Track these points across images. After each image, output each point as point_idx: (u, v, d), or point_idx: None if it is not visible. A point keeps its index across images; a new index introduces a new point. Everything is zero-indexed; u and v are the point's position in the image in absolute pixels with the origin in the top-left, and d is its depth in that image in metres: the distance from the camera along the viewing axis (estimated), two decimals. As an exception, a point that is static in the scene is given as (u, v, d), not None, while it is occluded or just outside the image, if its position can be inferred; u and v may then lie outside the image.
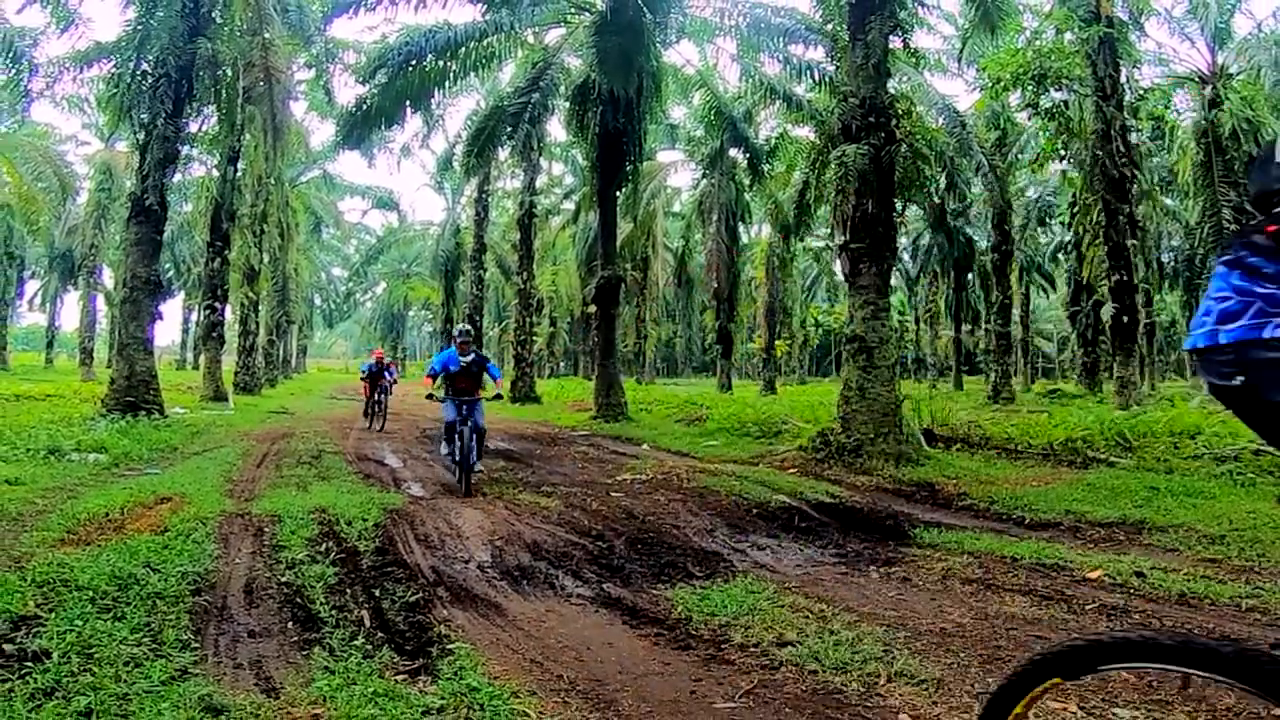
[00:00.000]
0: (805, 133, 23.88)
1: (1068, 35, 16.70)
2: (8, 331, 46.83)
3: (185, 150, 19.03)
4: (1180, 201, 28.21)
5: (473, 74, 19.92)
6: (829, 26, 16.13)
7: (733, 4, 18.53)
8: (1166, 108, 22.52)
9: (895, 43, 12.62)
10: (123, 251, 19.73)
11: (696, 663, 4.18)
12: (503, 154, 25.29)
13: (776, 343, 37.74)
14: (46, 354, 51.47)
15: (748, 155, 23.92)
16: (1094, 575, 5.62)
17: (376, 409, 17.45)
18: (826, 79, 18.54)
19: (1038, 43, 16.65)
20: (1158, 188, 26.41)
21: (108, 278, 40.47)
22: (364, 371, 19.11)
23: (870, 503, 8.43)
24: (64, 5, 17.13)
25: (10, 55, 18.57)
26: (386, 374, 18.15)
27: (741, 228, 33.26)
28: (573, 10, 18.93)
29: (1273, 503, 7.62)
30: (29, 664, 3.72)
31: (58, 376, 34.87)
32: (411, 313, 67.90)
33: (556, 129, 27.21)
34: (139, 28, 15.90)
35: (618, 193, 20.34)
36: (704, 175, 30.51)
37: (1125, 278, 17.39)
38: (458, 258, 40.25)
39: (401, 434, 16.13)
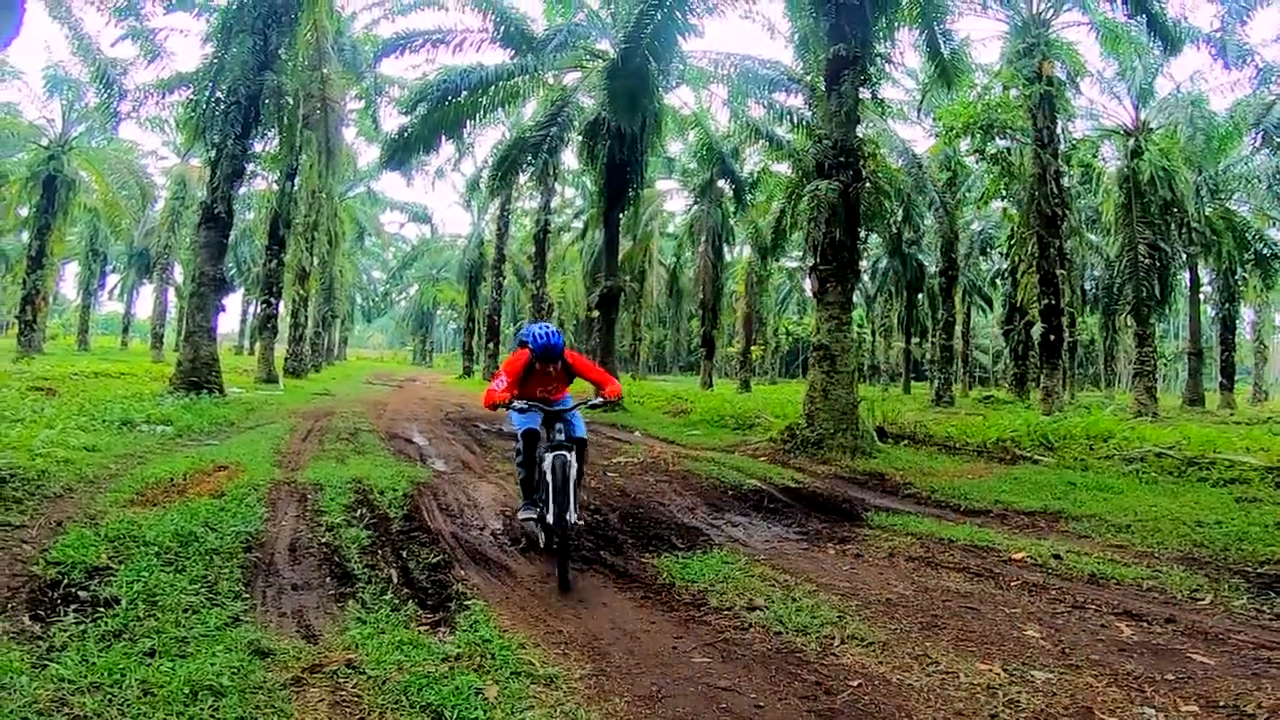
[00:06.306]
0: (784, 169, 23.94)
1: (1013, 91, 16.81)
2: (90, 317, 46.68)
3: (250, 167, 18.85)
4: (1103, 237, 28.19)
5: (500, 109, 19.92)
6: (808, 78, 16.17)
7: (725, 56, 18.59)
8: (1094, 156, 22.60)
9: (865, 94, 12.62)
10: (193, 252, 19.69)
11: (678, 622, 4.19)
12: (523, 178, 25.20)
13: (753, 347, 37.71)
14: (122, 338, 51.34)
15: (734, 186, 23.90)
16: (1018, 556, 5.63)
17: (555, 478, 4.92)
18: (804, 123, 18.60)
19: (987, 97, 16.75)
20: (1084, 225, 26.55)
21: (178, 274, 40.31)
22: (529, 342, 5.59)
23: (829, 489, 8.42)
24: (152, 40, 17.14)
25: (103, 82, 18.62)
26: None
27: (726, 248, 33.16)
28: (588, 57, 18.90)
29: (1170, 500, 7.63)
30: (100, 609, 3.72)
31: (131, 358, 34.66)
32: (439, 312, 67.55)
33: (570, 158, 27.06)
34: (215, 61, 15.82)
35: (620, 215, 20.26)
36: (695, 202, 30.49)
37: (1053, 302, 17.46)
38: (481, 266, 40.03)
39: (427, 416, 16.07)
